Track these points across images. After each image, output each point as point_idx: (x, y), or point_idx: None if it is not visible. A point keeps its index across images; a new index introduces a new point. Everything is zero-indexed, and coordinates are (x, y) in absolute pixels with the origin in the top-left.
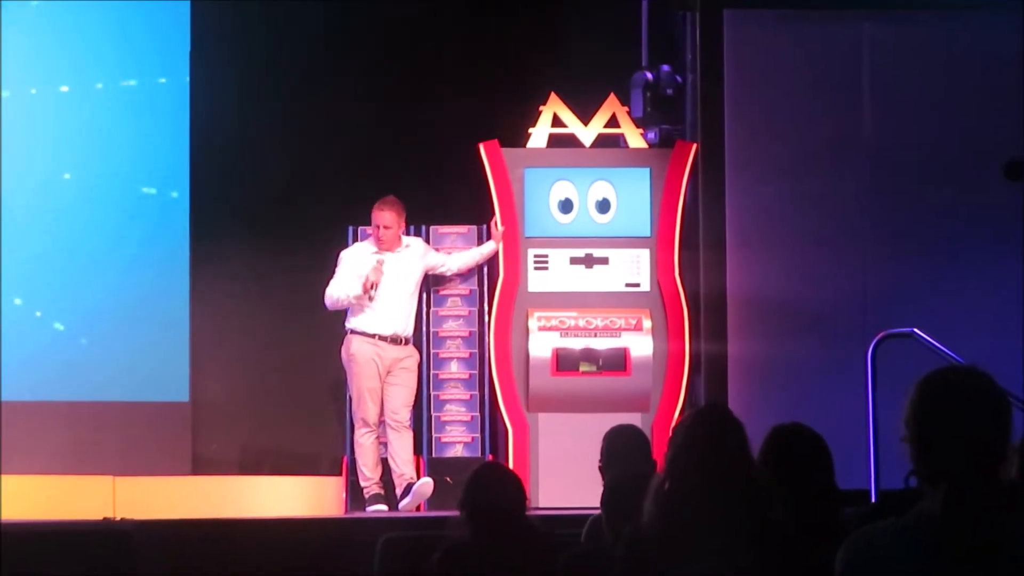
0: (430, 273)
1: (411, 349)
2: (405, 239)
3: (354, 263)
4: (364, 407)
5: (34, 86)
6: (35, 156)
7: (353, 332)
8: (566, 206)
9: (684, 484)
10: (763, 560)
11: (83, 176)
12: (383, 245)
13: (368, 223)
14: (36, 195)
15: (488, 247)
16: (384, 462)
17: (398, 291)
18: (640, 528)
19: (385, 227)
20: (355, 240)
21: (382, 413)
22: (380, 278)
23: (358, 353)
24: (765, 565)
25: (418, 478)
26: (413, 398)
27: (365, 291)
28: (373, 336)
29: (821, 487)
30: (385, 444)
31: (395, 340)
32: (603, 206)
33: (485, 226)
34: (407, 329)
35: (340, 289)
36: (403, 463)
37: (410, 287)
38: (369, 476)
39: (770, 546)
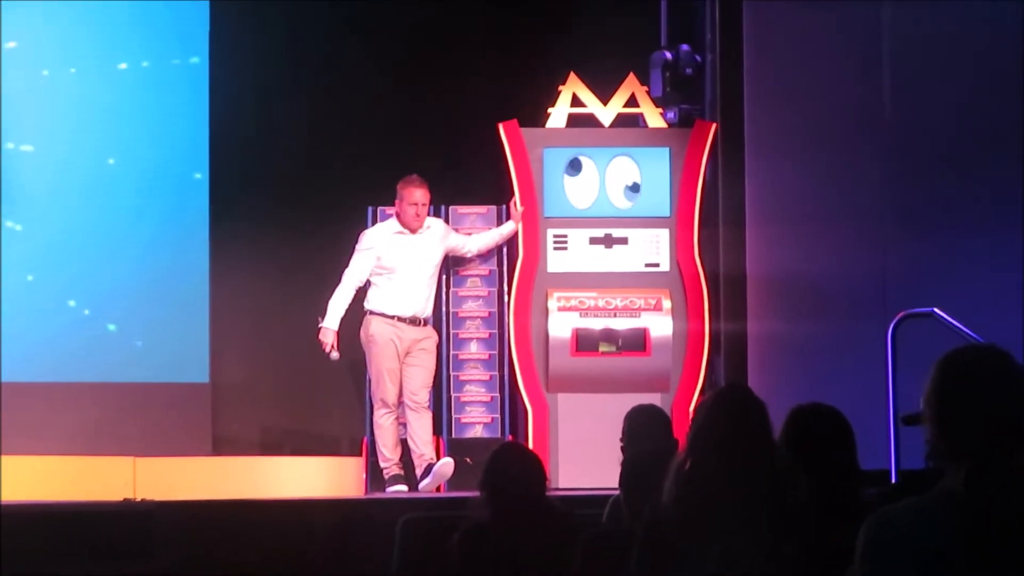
0: (450, 255)
1: (430, 330)
2: (427, 220)
3: (373, 246)
4: (383, 388)
5: (49, 68)
6: (55, 137)
7: (372, 313)
8: (574, 165)
9: (705, 464)
10: (784, 540)
11: (103, 157)
12: (416, 223)
13: (388, 203)
14: (56, 176)
15: (508, 227)
16: (403, 443)
17: (418, 272)
18: (660, 508)
19: (423, 204)
20: (375, 221)
21: (401, 394)
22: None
23: (377, 334)
24: (786, 545)
25: (438, 459)
26: (432, 379)
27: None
28: (392, 317)
29: (842, 467)
30: (404, 425)
31: (414, 321)
32: (628, 187)
33: (504, 206)
34: (426, 310)
35: (346, 282)
36: (423, 444)
37: (430, 268)
38: (388, 457)
39: (791, 526)
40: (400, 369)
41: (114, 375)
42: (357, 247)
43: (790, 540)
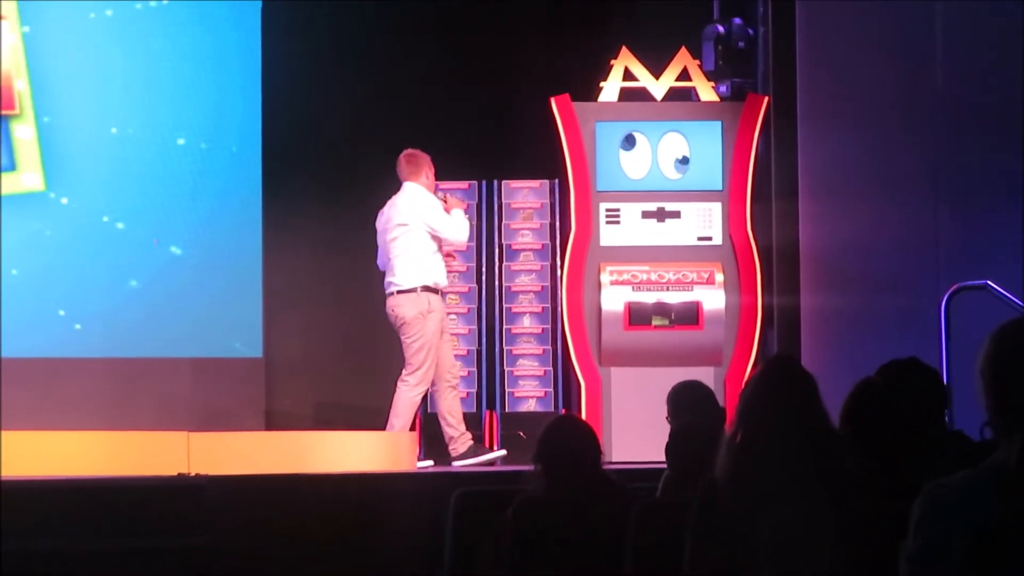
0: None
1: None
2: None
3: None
4: (431, 363)
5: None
6: (106, 113)
7: (426, 288)
8: (629, 140)
9: (756, 435)
10: (838, 510)
11: (155, 133)
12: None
13: (439, 177)
14: (109, 151)
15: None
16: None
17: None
18: (714, 480)
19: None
20: None
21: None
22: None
23: (437, 310)
24: (840, 516)
25: (488, 434)
26: None
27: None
28: (441, 290)
29: (933, 429)
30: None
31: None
32: (679, 160)
33: (557, 180)
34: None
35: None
36: (459, 422)
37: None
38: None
39: (844, 497)
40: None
41: (169, 350)
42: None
43: (844, 510)
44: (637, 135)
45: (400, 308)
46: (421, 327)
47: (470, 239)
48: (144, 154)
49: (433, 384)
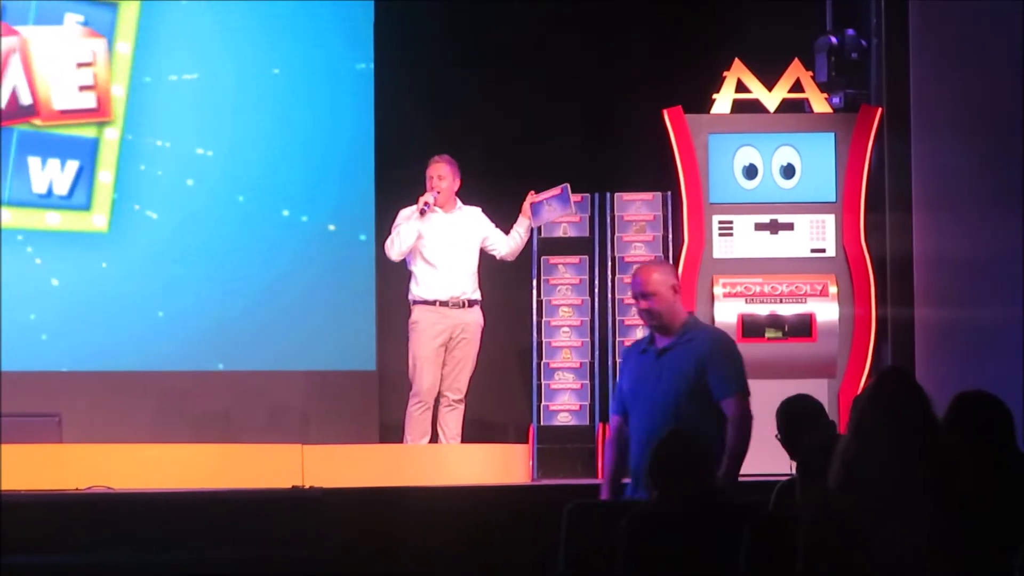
0: (482, 247)
1: (477, 313)
2: (461, 204)
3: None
4: (420, 377)
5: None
6: (220, 133)
7: (415, 302)
8: (751, 172)
9: (869, 447)
10: (952, 524)
11: (269, 148)
12: (437, 200)
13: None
14: (220, 167)
15: (522, 225)
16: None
17: (455, 252)
18: (828, 492)
19: (439, 177)
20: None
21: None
22: (432, 198)
23: (420, 322)
24: (954, 529)
25: (600, 447)
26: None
27: (420, 210)
28: (434, 303)
29: (1003, 454)
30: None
31: (457, 304)
32: (788, 171)
33: (670, 192)
34: (470, 291)
35: (396, 232)
36: (453, 438)
37: (467, 249)
38: None
39: (958, 509)
40: (441, 358)
41: (282, 364)
42: (395, 225)
43: (957, 524)
44: (755, 160)
45: None
46: (411, 340)
47: (587, 251)
48: (258, 170)
49: (437, 400)
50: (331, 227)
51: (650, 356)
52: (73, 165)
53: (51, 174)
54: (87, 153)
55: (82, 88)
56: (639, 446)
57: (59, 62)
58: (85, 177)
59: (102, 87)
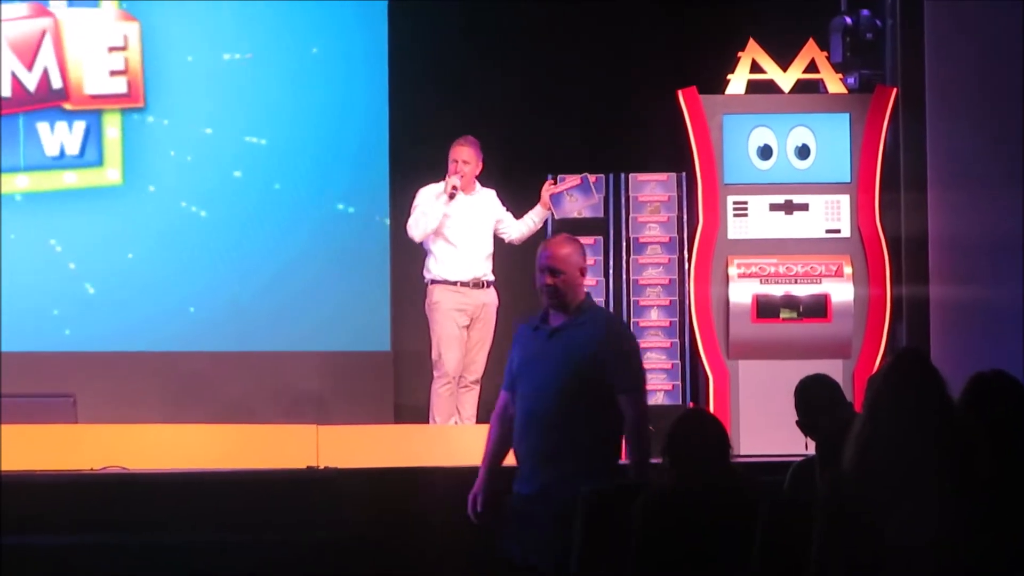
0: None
1: (493, 294)
2: (480, 186)
3: (432, 198)
4: (447, 357)
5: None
6: (235, 121)
7: (434, 282)
8: (765, 152)
9: (884, 429)
10: (968, 508)
11: (281, 135)
12: (460, 183)
13: (568, 171)
14: (237, 153)
15: (539, 214)
16: None
17: (474, 234)
18: (842, 474)
19: (464, 162)
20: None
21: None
22: (458, 181)
23: (442, 301)
24: (970, 513)
25: None
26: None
27: (449, 193)
28: (455, 283)
29: (1021, 436)
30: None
31: (477, 284)
32: (803, 152)
33: (684, 173)
34: (488, 272)
35: (421, 213)
36: (469, 419)
37: (485, 231)
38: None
39: (973, 492)
40: (465, 338)
41: (297, 344)
42: (415, 205)
43: (972, 506)
44: (770, 141)
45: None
46: (433, 321)
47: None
48: (273, 156)
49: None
50: (346, 208)
51: (542, 335)
52: (80, 125)
53: (60, 136)
54: (91, 113)
55: (113, 73)
56: (521, 426)
57: (91, 46)
58: (93, 135)
59: (133, 72)
